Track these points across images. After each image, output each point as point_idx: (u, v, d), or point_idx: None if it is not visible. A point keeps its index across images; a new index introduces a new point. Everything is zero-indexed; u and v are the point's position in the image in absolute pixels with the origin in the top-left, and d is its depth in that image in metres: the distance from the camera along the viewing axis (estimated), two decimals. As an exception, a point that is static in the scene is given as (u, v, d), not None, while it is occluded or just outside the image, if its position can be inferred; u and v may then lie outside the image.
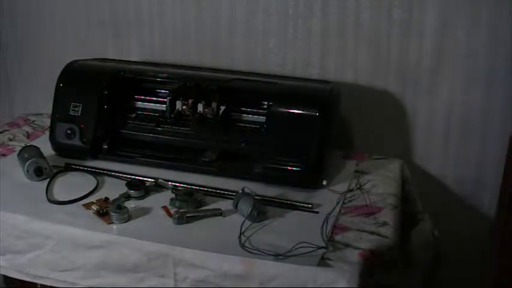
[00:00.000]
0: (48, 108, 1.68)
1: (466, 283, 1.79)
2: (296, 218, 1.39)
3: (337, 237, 1.30)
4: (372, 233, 1.33)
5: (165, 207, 1.40)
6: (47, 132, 1.70)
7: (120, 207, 1.35)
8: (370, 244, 1.28)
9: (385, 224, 1.37)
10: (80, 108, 1.62)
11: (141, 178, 1.51)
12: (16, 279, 1.41)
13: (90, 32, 1.97)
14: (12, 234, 1.36)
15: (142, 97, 1.70)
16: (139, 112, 1.69)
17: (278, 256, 1.22)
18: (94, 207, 1.37)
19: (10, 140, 1.76)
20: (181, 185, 1.49)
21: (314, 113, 1.50)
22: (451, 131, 1.72)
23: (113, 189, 1.47)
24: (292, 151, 1.49)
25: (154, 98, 1.69)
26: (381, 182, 1.56)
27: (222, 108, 1.59)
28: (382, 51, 1.72)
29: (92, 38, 1.97)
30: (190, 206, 1.39)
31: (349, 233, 1.32)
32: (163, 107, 1.65)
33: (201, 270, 1.24)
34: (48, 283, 1.38)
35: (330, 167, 1.57)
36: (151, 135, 1.64)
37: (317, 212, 1.40)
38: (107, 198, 1.41)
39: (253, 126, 1.60)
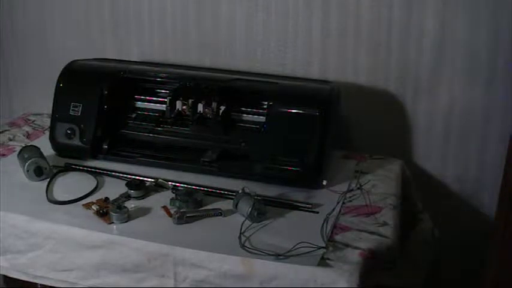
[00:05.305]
0: (48, 108, 1.68)
1: (466, 283, 1.79)
2: (296, 218, 1.38)
3: (337, 237, 1.30)
4: (372, 232, 1.33)
5: (165, 207, 1.40)
6: (47, 132, 1.70)
7: (120, 207, 1.35)
8: (370, 244, 1.28)
9: (385, 224, 1.37)
10: (80, 108, 1.62)
11: (141, 178, 1.51)
12: (16, 279, 1.41)
13: (90, 32, 1.96)
14: (12, 234, 1.36)
15: (142, 97, 1.70)
16: (139, 112, 1.69)
17: (278, 256, 1.22)
18: (94, 207, 1.37)
19: (10, 140, 1.76)
20: (181, 185, 1.49)
21: (314, 113, 1.50)
22: (451, 131, 1.72)
23: (113, 189, 1.47)
24: (292, 151, 1.49)
25: (154, 98, 1.69)
26: (381, 182, 1.56)
27: (222, 108, 1.59)
28: (382, 51, 1.71)
29: (92, 38, 1.97)
30: (190, 206, 1.39)
31: (349, 233, 1.32)
32: (163, 107, 1.65)
33: (201, 270, 1.24)
34: (48, 283, 1.38)
35: (330, 167, 1.57)
36: (151, 135, 1.64)
37: (317, 212, 1.40)
38: (107, 198, 1.41)
39: (253, 126, 1.60)
